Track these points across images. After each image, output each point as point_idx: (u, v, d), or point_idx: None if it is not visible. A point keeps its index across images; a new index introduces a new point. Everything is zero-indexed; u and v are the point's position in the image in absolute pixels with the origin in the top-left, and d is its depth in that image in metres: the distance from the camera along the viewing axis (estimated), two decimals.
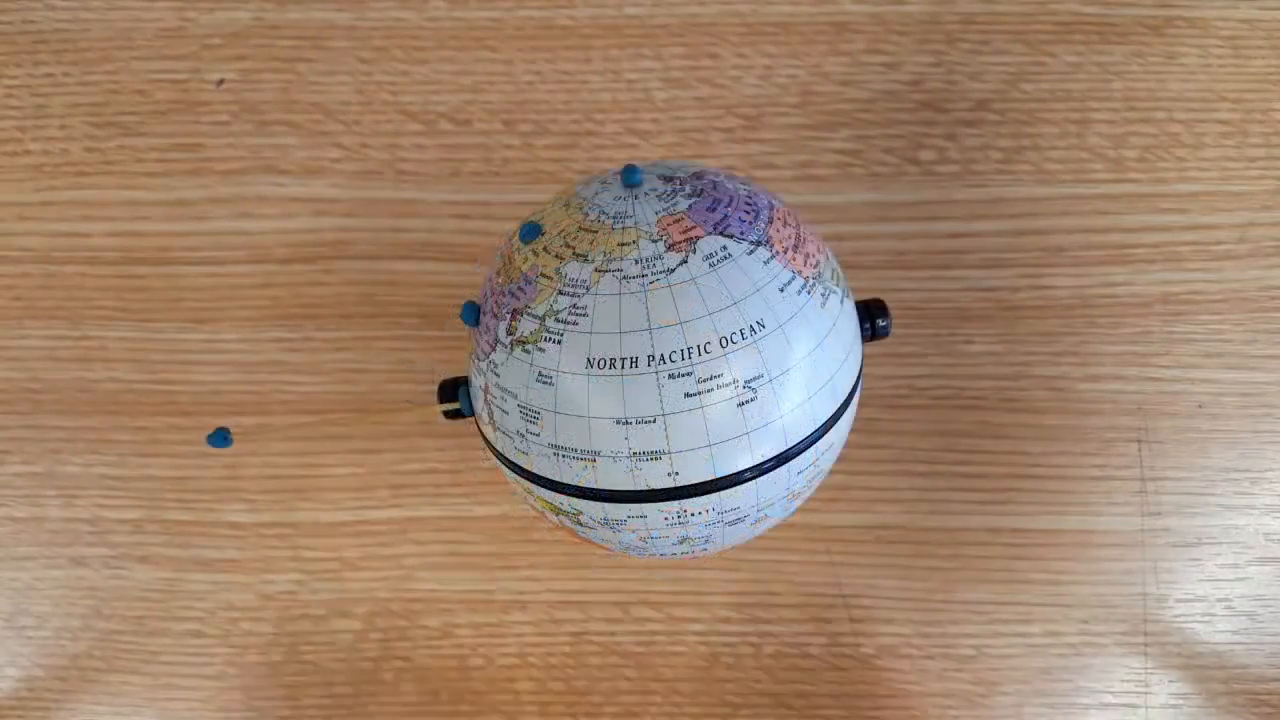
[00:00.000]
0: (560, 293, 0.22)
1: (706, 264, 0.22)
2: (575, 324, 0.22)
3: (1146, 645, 0.36)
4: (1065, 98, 0.36)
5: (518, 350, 0.23)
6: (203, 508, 0.37)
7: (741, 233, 0.23)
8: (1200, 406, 0.36)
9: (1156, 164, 0.36)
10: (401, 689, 0.37)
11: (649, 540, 0.24)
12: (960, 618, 0.36)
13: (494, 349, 0.23)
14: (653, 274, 0.22)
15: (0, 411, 0.37)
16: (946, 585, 0.36)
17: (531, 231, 0.24)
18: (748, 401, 0.22)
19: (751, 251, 0.22)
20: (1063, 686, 0.36)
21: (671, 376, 0.21)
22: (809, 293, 0.23)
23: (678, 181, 0.24)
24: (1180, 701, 0.36)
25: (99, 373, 0.37)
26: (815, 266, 0.24)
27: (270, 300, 0.37)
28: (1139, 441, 0.36)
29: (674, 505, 0.23)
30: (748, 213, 0.23)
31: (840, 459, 0.36)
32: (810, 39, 0.37)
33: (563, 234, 0.23)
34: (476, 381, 0.25)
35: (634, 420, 0.21)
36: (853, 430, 0.35)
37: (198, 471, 0.37)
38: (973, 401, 0.36)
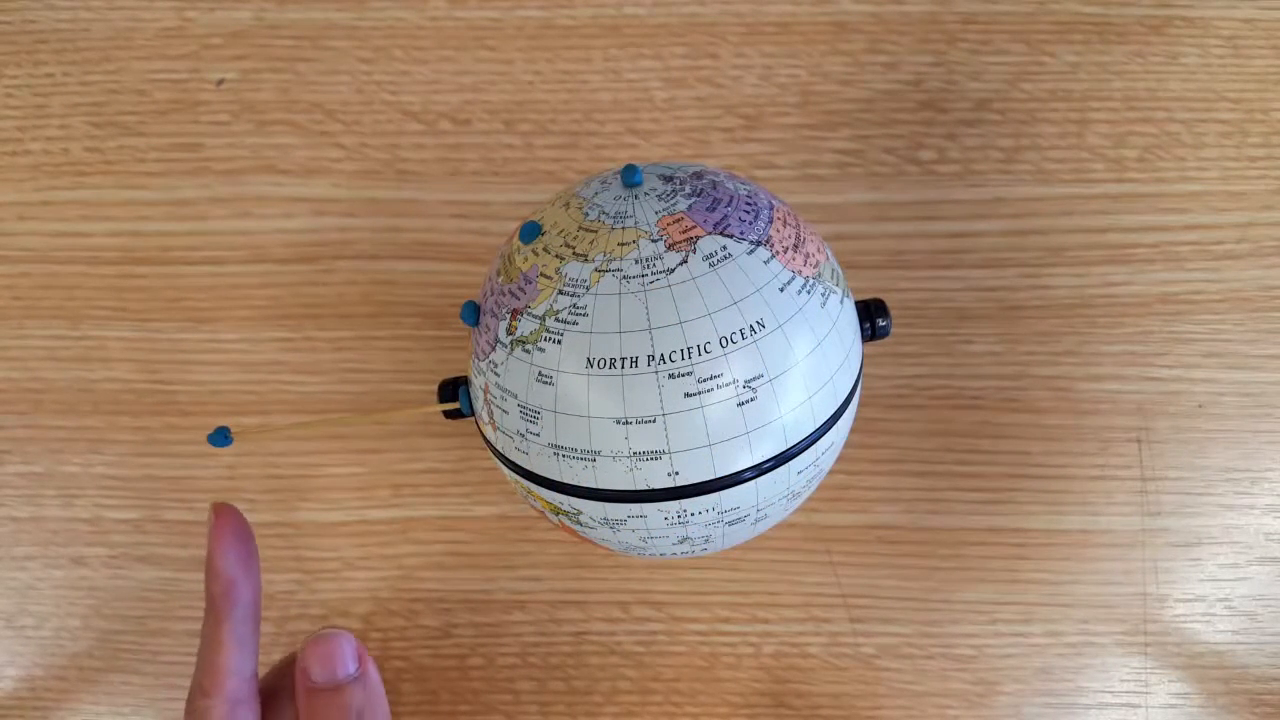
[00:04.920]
0: (560, 292, 0.22)
1: (706, 264, 0.22)
2: (575, 324, 0.22)
3: (1146, 645, 0.36)
4: (1065, 98, 0.36)
5: (518, 350, 0.23)
6: (203, 508, 0.37)
7: (741, 233, 0.23)
8: (1200, 406, 0.36)
9: (1156, 164, 0.36)
10: (401, 689, 0.37)
11: (649, 540, 0.24)
12: (960, 618, 0.36)
13: (494, 349, 0.23)
14: (653, 274, 0.22)
15: (0, 411, 0.37)
16: (946, 585, 0.36)
17: (531, 231, 0.24)
18: (748, 401, 0.22)
19: (751, 251, 0.22)
20: (1063, 686, 0.36)
21: (671, 376, 0.21)
22: (809, 293, 0.23)
23: (678, 181, 0.24)
24: (1180, 701, 0.36)
25: (99, 373, 0.37)
26: (815, 266, 0.24)
27: (270, 300, 0.37)
28: (1139, 441, 0.36)
29: (674, 505, 0.23)
30: (748, 212, 0.23)
31: (840, 459, 0.36)
32: (810, 39, 0.37)
33: (563, 234, 0.23)
34: (476, 381, 0.25)
35: (634, 420, 0.21)
36: (853, 430, 0.35)
37: (198, 471, 0.37)
38: (973, 401, 0.36)
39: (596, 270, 0.22)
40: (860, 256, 0.36)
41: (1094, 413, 0.36)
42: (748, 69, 0.37)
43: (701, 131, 0.37)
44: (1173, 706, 0.36)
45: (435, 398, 0.37)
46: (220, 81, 0.37)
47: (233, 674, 0.26)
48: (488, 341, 0.24)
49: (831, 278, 0.24)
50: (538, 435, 0.23)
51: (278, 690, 0.28)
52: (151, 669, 0.38)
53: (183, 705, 0.35)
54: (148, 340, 0.37)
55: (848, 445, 0.36)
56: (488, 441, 0.25)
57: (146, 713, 0.38)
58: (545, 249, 0.23)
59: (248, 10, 0.37)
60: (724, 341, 0.21)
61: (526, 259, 0.23)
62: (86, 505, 0.37)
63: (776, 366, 0.22)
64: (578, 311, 0.22)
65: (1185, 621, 0.36)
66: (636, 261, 0.22)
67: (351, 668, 0.27)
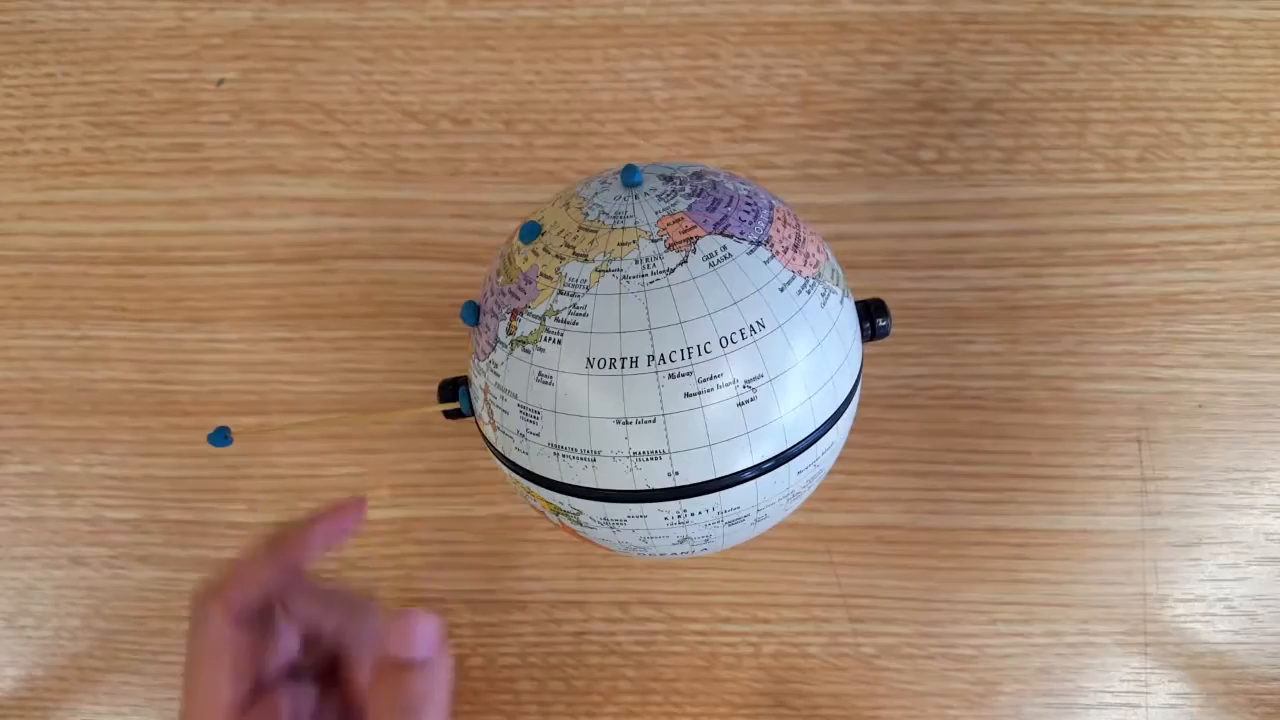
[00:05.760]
0: (560, 292, 0.22)
1: (706, 264, 0.22)
2: (575, 324, 0.22)
3: (1146, 645, 0.36)
4: (1065, 98, 0.36)
5: (518, 350, 0.23)
6: (203, 508, 0.37)
7: (741, 232, 0.23)
8: (1200, 406, 0.36)
9: (1156, 164, 0.36)
10: None
11: (649, 540, 0.24)
12: (960, 618, 0.36)
13: (494, 349, 0.23)
14: (653, 274, 0.22)
15: (0, 411, 0.37)
16: (946, 585, 0.36)
17: (531, 231, 0.24)
18: (748, 401, 0.22)
19: (751, 251, 0.22)
20: (1063, 686, 0.36)
21: (671, 376, 0.21)
22: (809, 292, 0.23)
23: (678, 181, 0.24)
24: (1180, 701, 0.36)
25: (99, 373, 0.37)
26: (815, 266, 0.24)
27: (270, 300, 0.37)
28: (1139, 441, 0.36)
29: (674, 505, 0.23)
30: (748, 212, 0.23)
31: (840, 459, 0.36)
32: (810, 39, 0.37)
33: (563, 234, 0.23)
34: (476, 381, 0.25)
35: (634, 420, 0.21)
36: (853, 430, 0.35)
37: (198, 471, 0.37)
38: (973, 401, 0.36)
39: (596, 270, 0.22)
40: (860, 256, 0.36)
41: (1094, 413, 0.36)
42: (748, 69, 0.37)
43: (701, 131, 0.37)
44: (1173, 706, 0.36)
45: (435, 398, 0.37)
46: (220, 81, 0.37)
47: (256, 586, 0.25)
48: (488, 341, 0.24)
49: (831, 278, 0.24)
50: (538, 435, 0.23)
51: (278, 605, 0.27)
52: (151, 669, 0.38)
53: None
54: (148, 340, 0.37)
55: (848, 445, 0.36)
56: (488, 441, 0.25)
57: (146, 713, 0.38)
58: (545, 249, 0.23)
59: (248, 10, 0.37)
60: (724, 341, 0.21)
61: (526, 259, 0.23)
62: (86, 505, 0.37)
63: (776, 366, 0.22)
64: (578, 311, 0.22)
65: (1185, 621, 0.36)
66: (636, 261, 0.22)
67: (429, 652, 0.26)
